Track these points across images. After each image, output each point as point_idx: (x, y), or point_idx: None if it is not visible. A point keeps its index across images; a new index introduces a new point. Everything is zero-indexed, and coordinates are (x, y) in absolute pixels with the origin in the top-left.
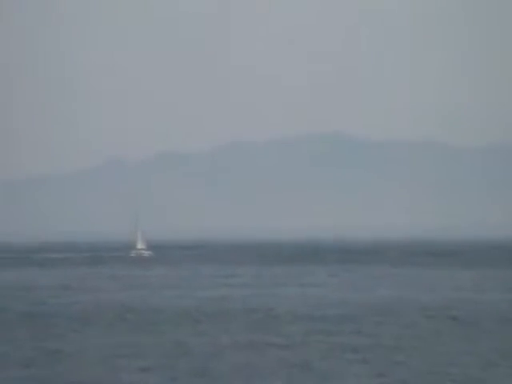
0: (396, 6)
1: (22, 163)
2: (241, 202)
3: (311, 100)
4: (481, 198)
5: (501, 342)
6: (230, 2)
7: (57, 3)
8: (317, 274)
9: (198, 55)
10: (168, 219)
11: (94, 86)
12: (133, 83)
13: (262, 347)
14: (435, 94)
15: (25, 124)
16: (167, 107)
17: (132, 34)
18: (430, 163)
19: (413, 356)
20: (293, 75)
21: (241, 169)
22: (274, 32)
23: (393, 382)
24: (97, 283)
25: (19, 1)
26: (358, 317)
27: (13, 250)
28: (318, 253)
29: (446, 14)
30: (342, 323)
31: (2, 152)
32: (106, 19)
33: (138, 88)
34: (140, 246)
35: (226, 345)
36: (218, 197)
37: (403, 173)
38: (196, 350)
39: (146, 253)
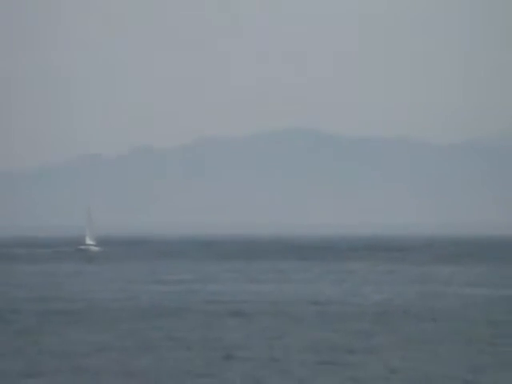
0: (374, 8)
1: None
2: (217, 198)
3: (285, 95)
4: (456, 196)
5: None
6: (214, 4)
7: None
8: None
9: (179, 52)
10: (140, 215)
11: (72, 81)
12: (112, 79)
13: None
14: (411, 91)
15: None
16: (143, 103)
17: (108, 31)
18: (404, 160)
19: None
20: (268, 71)
21: (219, 163)
22: (255, 30)
23: None
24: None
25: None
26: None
27: None
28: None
29: (423, 9)
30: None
31: None
32: (88, 18)
33: (115, 83)
34: (89, 241)
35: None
36: (195, 192)
37: (377, 170)
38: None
39: (95, 248)
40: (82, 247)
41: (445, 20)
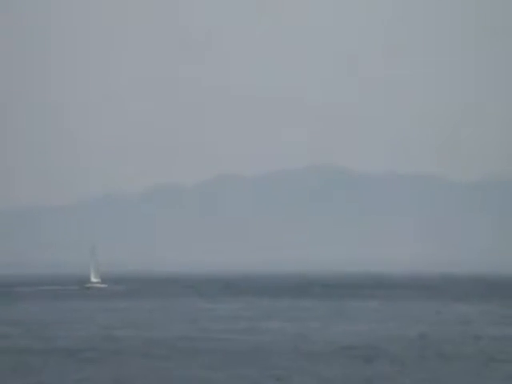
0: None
1: (15, 194)
2: (233, 236)
3: (306, 133)
4: (477, 232)
5: None
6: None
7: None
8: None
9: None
10: (158, 252)
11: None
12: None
13: None
14: (432, 128)
15: (17, 156)
16: (159, 140)
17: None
18: (428, 197)
19: None
20: (287, 108)
21: (232, 202)
22: (270, 61)
23: None
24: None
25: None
26: None
27: None
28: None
29: (447, 37)
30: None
31: None
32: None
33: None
34: (94, 279)
35: None
36: (209, 231)
37: (400, 207)
38: None
39: (101, 286)
40: (88, 285)
41: (473, 46)
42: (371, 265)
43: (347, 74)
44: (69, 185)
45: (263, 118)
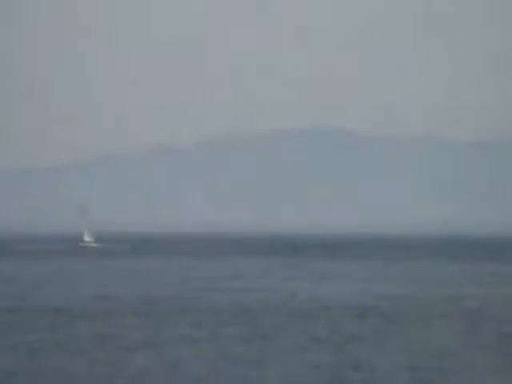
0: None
1: (14, 154)
2: (235, 197)
3: (308, 94)
4: (482, 194)
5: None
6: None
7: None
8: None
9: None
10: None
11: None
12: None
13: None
14: (434, 89)
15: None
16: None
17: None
18: (430, 159)
19: None
20: (290, 67)
21: (238, 162)
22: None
23: None
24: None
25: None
26: None
27: None
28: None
29: (445, 12)
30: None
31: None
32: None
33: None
34: (87, 238)
35: None
36: (216, 192)
37: (403, 169)
38: None
39: (94, 245)
40: (81, 244)
41: (477, 21)
42: (370, 227)
43: (346, 39)
44: (67, 145)
45: (261, 79)
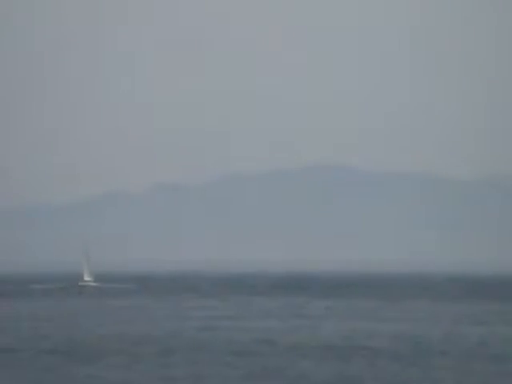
0: (390, 30)
1: (16, 192)
2: (240, 235)
3: (307, 131)
4: (482, 233)
5: None
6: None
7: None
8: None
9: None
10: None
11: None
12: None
13: None
14: (434, 126)
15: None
16: (163, 139)
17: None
18: (430, 195)
19: None
20: (289, 107)
21: (238, 201)
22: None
23: None
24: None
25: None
26: None
27: None
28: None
29: (447, 39)
30: None
31: None
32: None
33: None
34: (87, 277)
35: None
36: (217, 229)
37: (403, 205)
38: None
39: (94, 284)
40: (81, 283)
41: (475, 54)
42: (373, 265)
43: (345, 73)
44: (69, 184)
45: (256, 116)
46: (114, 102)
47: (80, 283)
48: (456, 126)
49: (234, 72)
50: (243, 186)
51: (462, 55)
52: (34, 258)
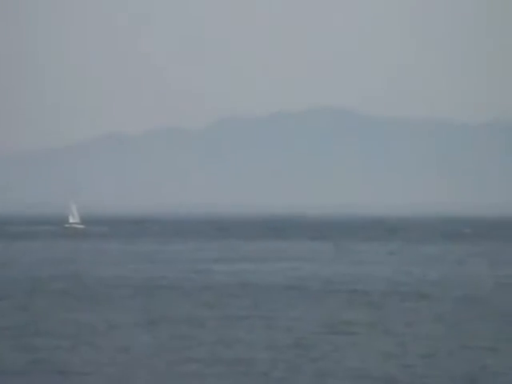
0: None
1: (15, 137)
2: (242, 178)
3: (310, 74)
4: (484, 175)
5: None
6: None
7: None
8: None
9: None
10: (164, 193)
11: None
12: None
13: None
14: (436, 72)
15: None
16: (168, 83)
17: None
18: (434, 140)
19: None
20: (293, 50)
21: (240, 143)
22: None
23: None
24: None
25: None
26: None
27: None
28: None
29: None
30: None
31: None
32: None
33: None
34: (72, 219)
35: None
36: (218, 172)
37: (406, 150)
38: None
39: (79, 226)
40: (67, 225)
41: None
42: (372, 208)
43: (348, 19)
44: (70, 126)
45: (260, 60)
46: (114, 46)
47: (66, 225)
48: (457, 70)
49: (234, 16)
50: (242, 128)
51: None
52: (29, 199)
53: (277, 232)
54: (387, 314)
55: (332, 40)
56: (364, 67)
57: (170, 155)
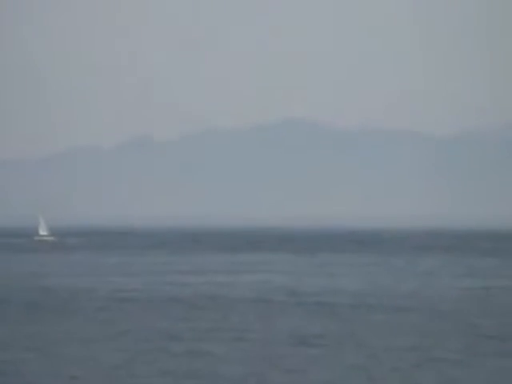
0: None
1: None
2: (216, 190)
3: (283, 86)
4: (455, 188)
5: None
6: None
7: None
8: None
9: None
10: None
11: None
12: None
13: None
14: (406, 82)
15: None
16: (141, 92)
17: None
18: (405, 152)
19: None
20: (266, 60)
21: (215, 156)
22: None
23: None
24: None
25: None
26: None
27: None
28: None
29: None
30: None
31: None
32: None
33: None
34: (42, 231)
35: None
36: (192, 184)
37: (378, 162)
38: None
39: (49, 238)
40: (37, 238)
41: (450, 10)
42: (346, 220)
43: (322, 32)
44: (42, 138)
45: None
46: (93, 56)
47: (36, 238)
48: (429, 82)
49: (209, 28)
50: (218, 140)
51: (448, 16)
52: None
53: (251, 244)
54: (356, 327)
55: (306, 54)
56: (338, 81)
57: (145, 167)
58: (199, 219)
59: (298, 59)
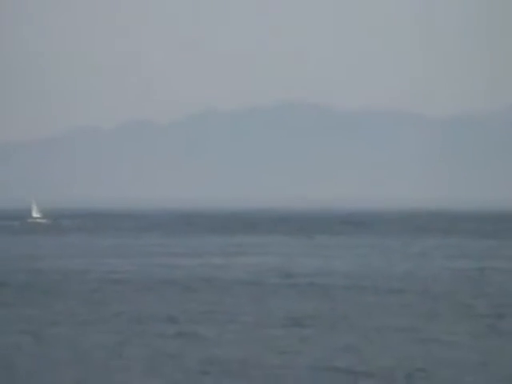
0: None
1: None
2: (216, 172)
3: (283, 69)
4: (451, 170)
5: None
6: None
7: None
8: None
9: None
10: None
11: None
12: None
13: None
14: (407, 65)
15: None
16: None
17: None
18: (407, 134)
19: None
20: (267, 44)
21: (215, 138)
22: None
23: None
24: None
25: None
26: None
27: None
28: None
29: None
30: None
31: None
32: None
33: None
34: (35, 214)
35: None
36: (191, 166)
37: (379, 144)
38: None
39: (42, 221)
40: (30, 220)
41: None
42: (348, 202)
43: (320, 11)
44: (42, 119)
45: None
46: (93, 56)
47: (29, 220)
48: (429, 63)
49: (209, 12)
50: (218, 122)
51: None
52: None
53: (247, 226)
54: (349, 308)
55: (306, 35)
56: (339, 62)
57: (144, 148)
58: (199, 201)
59: (297, 59)
